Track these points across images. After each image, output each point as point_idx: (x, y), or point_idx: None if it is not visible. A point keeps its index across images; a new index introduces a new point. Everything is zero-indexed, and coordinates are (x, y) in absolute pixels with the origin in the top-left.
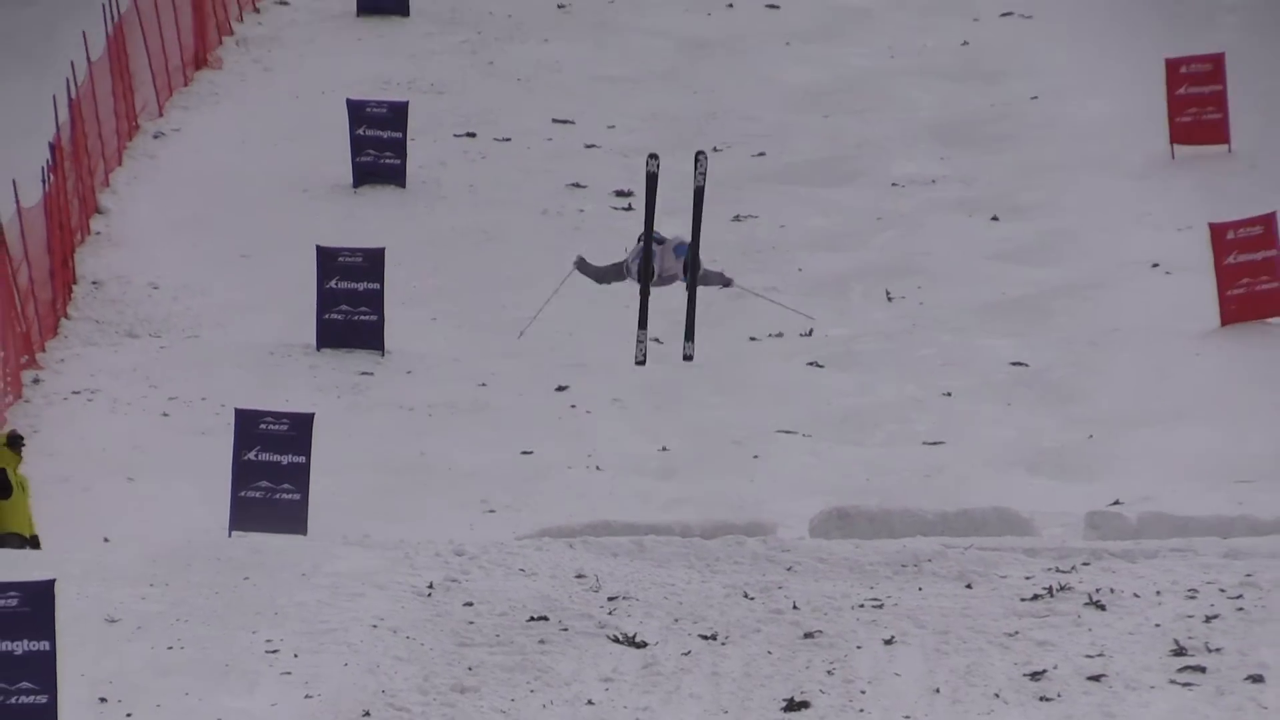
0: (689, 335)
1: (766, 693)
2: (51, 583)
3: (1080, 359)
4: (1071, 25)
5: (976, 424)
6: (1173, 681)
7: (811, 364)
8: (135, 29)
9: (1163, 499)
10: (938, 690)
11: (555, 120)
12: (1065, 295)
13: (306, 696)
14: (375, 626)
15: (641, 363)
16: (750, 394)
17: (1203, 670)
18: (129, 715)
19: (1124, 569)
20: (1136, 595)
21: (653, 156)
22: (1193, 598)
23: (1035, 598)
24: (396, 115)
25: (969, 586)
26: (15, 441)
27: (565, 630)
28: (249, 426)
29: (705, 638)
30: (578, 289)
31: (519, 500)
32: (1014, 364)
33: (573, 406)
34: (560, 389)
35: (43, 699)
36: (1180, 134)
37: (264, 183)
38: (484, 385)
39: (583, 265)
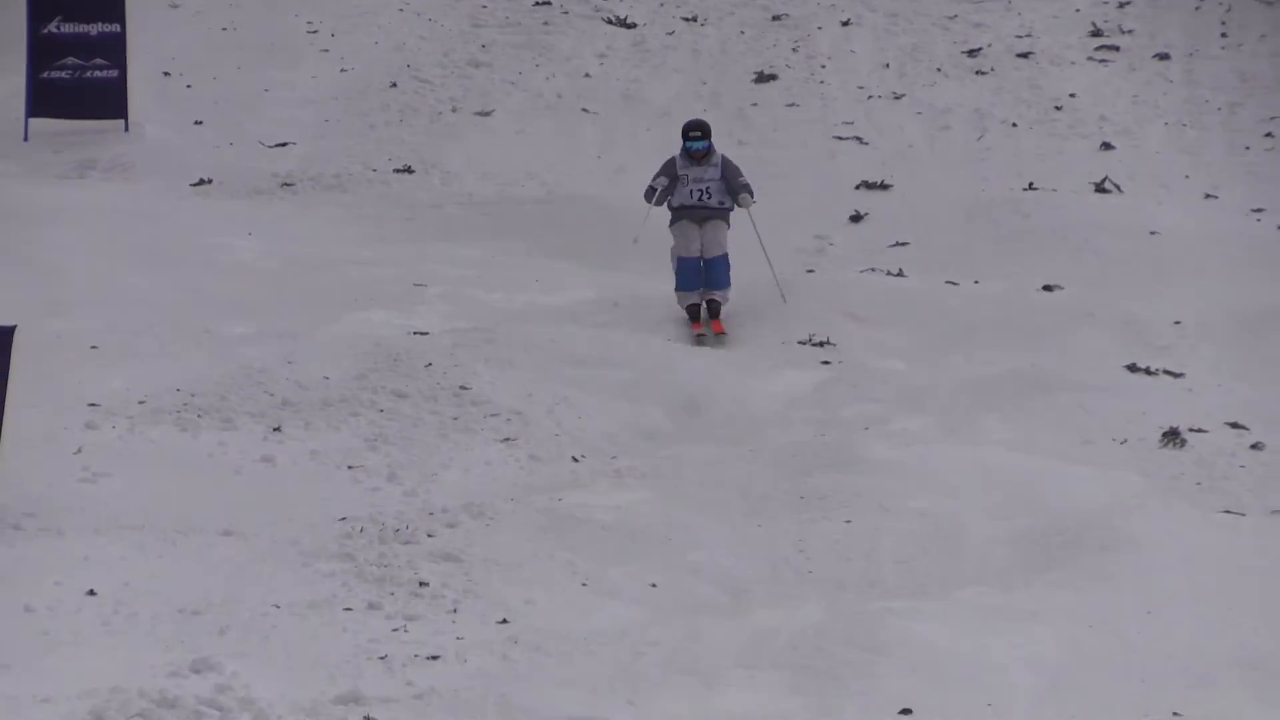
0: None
1: (740, 67)
2: None
3: None
4: None
5: None
6: (1090, 58)
7: None
8: None
9: None
10: (887, 65)
11: None
12: None
13: (342, 70)
14: (401, 10)
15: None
16: None
17: (1117, 49)
18: (189, 86)
19: None
20: None
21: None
22: None
23: None
24: None
25: None
26: None
27: (566, 14)
28: None
29: (687, 19)
30: None
31: None
32: None
33: None
34: None
35: (114, 73)
36: None
37: None
38: None
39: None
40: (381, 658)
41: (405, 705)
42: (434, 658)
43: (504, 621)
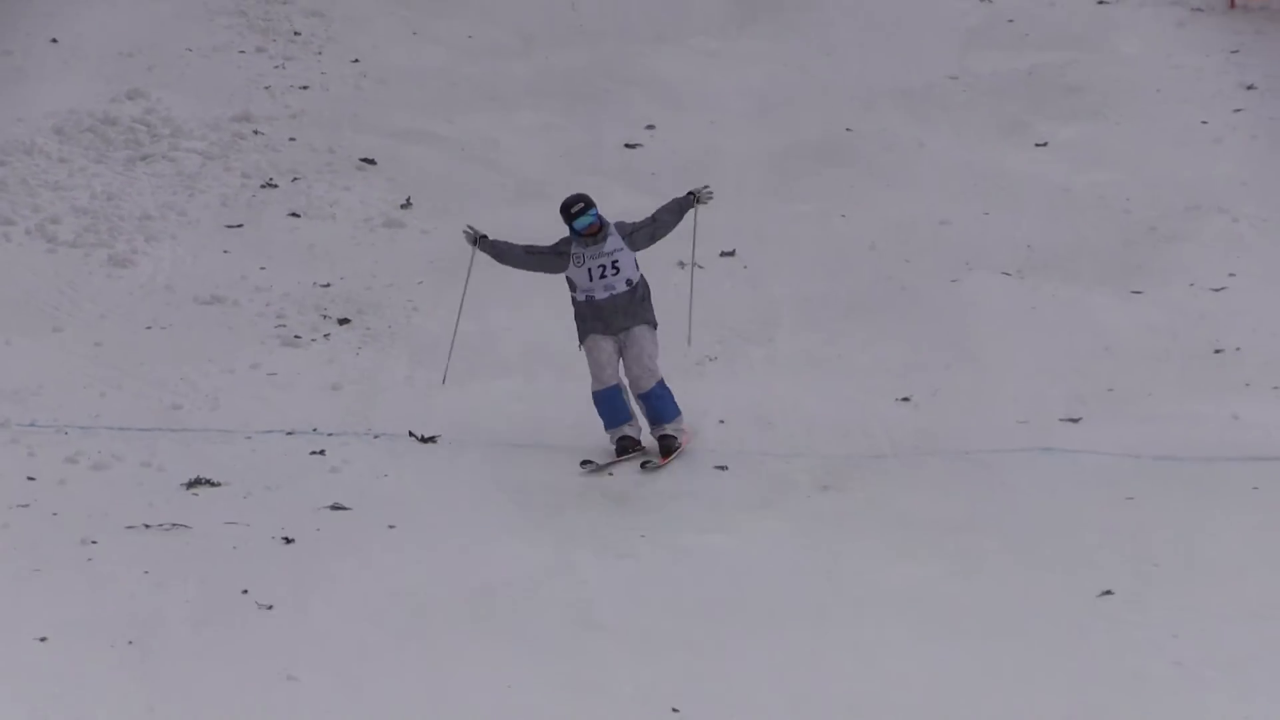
0: None
1: None
2: None
3: None
4: None
5: None
6: None
7: None
8: None
9: None
10: None
11: None
12: None
13: None
14: None
15: None
16: None
17: None
18: None
19: None
20: None
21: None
22: None
23: None
24: None
25: None
26: None
27: None
28: None
29: None
30: None
31: None
32: None
33: None
34: None
35: None
36: None
37: None
38: None
39: (481, 241)
40: (266, 87)
41: (284, 122)
42: (304, 87)
43: (356, 61)
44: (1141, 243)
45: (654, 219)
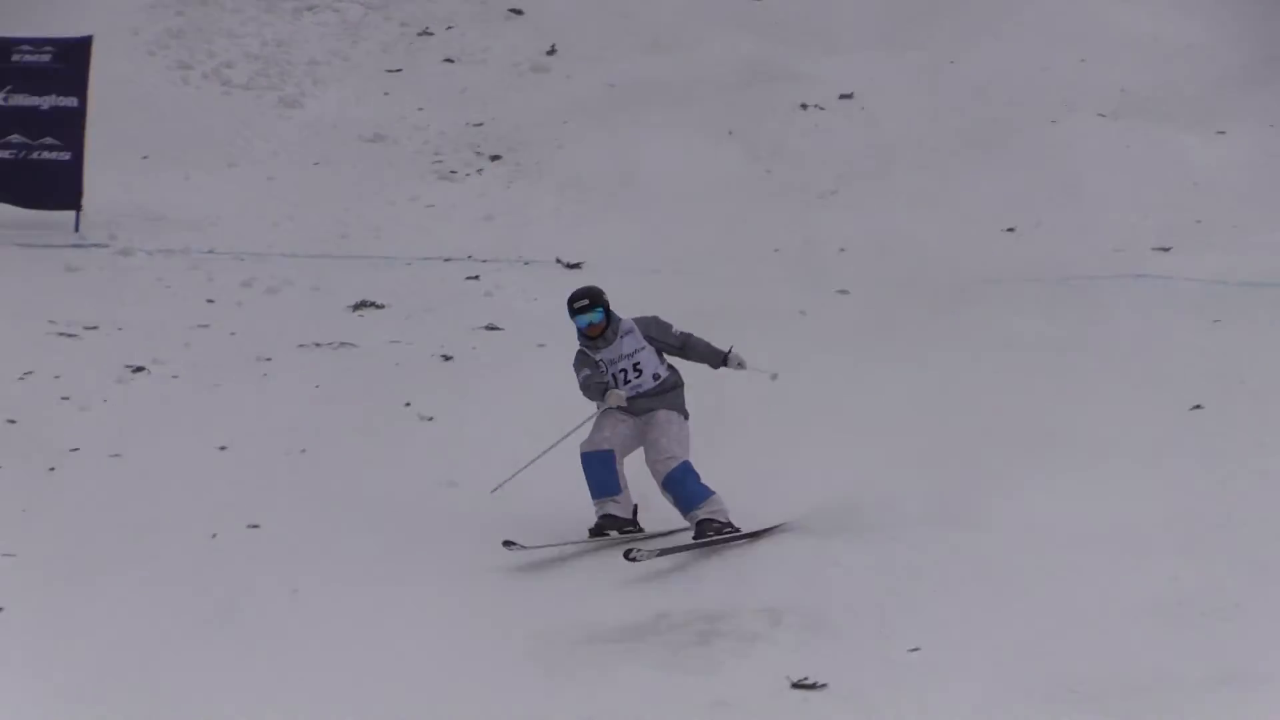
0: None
1: None
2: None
3: None
4: None
5: None
6: None
7: None
8: None
9: None
10: None
11: None
12: None
13: None
14: None
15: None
16: None
17: None
18: None
19: None
20: None
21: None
22: None
23: None
24: None
25: None
26: None
27: None
28: None
29: None
30: None
31: None
32: None
33: None
34: None
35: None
36: None
37: None
38: None
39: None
40: None
41: None
42: None
43: None
44: (1227, 87)
45: (683, 347)
